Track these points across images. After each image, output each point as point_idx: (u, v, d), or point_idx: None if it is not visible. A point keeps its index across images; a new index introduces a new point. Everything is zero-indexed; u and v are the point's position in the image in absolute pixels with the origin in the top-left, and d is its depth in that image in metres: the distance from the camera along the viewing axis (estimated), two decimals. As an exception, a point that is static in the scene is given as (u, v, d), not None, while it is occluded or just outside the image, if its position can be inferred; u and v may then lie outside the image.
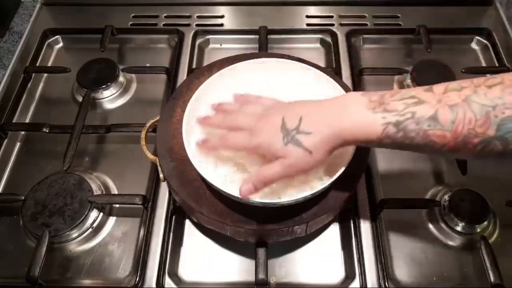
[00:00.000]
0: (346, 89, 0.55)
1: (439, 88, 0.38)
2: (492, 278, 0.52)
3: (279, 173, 0.43)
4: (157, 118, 0.58)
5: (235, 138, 0.46)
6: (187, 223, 0.60)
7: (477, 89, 0.36)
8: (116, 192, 0.63)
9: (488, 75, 0.38)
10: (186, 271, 0.57)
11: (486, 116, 0.35)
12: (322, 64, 0.78)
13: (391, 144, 0.39)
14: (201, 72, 0.61)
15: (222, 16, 0.85)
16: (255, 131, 0.44)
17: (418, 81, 0.71)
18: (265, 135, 0.43)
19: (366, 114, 0.39)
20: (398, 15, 0.85)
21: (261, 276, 0.52)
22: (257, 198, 0.46)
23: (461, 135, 0.36)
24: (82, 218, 0.58)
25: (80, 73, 0.74)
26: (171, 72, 0.75)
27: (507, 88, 0.35)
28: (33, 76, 0.77)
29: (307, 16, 0.85)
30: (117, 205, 0.62)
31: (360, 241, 0.56)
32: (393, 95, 0.39)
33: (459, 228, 0.58)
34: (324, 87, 0.54)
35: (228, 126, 0.48)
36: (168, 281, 0.55)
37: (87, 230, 0.59)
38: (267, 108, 0.47)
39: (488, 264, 0.53)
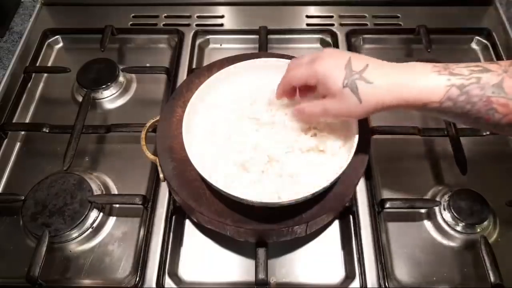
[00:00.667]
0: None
1: (504, 62, 0.39)
2: (492, 278, 0.52)
3: (319, 113, 0.45)
4: (157, 118, 0.58)
5: (294, 71, 0.45)
6: (187, 223, 0.60)
7: None
8: (116, 192, 0.63)
9: None
10: (186, 271, 0.57)
11: None
12: (322, 64, 0.78)
13: (452, 108, 0.39)
14: (201, 72, 0.61)
15: (222, 16, 0.85)
16: (318, 58, 0.43)
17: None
18: (327, 65, 0.42)
19: (431, 76, 0.39)
20: (398, 15, 0.85)
21: (261, 276, 0.52)
22: (257, 198, 0.46)
23: None
24: (82, 218, 0.58)
25: (80, 73, 0.74)
26: (171, 72, 0.75)
27: None
28: (33, 76, 0.77)
29: (307, 16, 0.85)
30: (117, 205, 0.62)
31: (360, 241, 0.56)
32: (457, 64, 0.40)
33: (459, 228, 0.58)
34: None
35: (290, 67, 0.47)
36: (168, 281, 0.55)
37: (87, 230, 0.59)
38: (330, 48, 0.46)
39: (488, 264, 0.53)
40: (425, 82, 0.39)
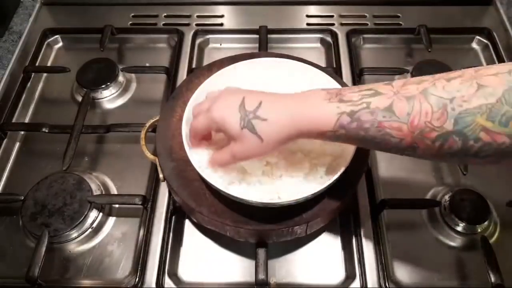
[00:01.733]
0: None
1: (399, 82, 0.37)
2: (492, 278, 0.52)
3: (229, 160, 0.45)
4: (157, 118, 0.58)
5: (195, 121, 0.46)
6: (187, 223, 0.60)
7: (436, 82, 0.35)
8: (115, 192, 0.63)
9: (447, 73, 0.37)
10: (186, 271, 0.57)
11: (443, 109, 0.33)
12: (322, 63, 0.78)
13: (346, 135, 0.38)
14: (201, 72, 0.61)
15: (222, 16, 0.85)
16: (213, 107, 0.43)
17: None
18: (222, 110, 0.43)
19: (322, 104, 0.39)
20: (399, 14, 0.85)
21: (261, 276, 0.52)
22: (257, 198, 0.45)
23: (418, 128, 0.35)
24: (82, 218, 0.57)
25: (79, 73, 0.74)
26: (171, 72, 0.75)
27: (466, 81, 0.34)
28: (32, 76, 0.76)
29: (307, 16, 0.85)
30: (117, 205, 0.62)
31: (361, 241, 0.56)
32: (352, 88, 0.39)
33: (459, 228, 0.57)
34: (324, 87, 0.53)
35: (194, 113, 0.48)
36: (167, 281, 0.55)
37: (87, 230, 0.59)
38: (227, 89, 0.47)
39: (488, 264, 0.53)
40: (316, 112, 0.39)
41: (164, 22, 0.84)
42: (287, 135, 0.41)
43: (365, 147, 0.40)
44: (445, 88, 0.34)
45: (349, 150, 0.48)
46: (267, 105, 0.41)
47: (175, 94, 0.59)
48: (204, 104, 0.47)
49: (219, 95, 0.45)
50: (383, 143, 0.37)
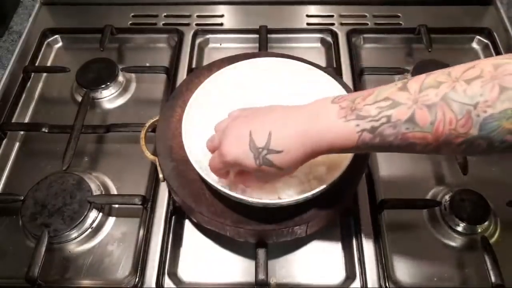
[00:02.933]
0: (346, 88, 0.55)
1: (414, 85, 0.35)
2: (493, 279, 0.52)
3: (259, 184, 0.46)
4: (157, 118, 0.58)
5: (212, 161, 0.46)
6: (187, 223, 0.60)
7: (455, 84, 0.34)
8: (115, 192, 0.63)
9: (465, 64, 0.35)
10: (185, 271, 0.57)
11: (468, 116, 0.33)
12: (322, 63, 0.78)
13: (370, 149, 0.38)
14: (201, 72, 0.61)
15: (222, 16, 0.85)
16: (224, 150, 0.42)
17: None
18: (233, 153, 0.41)
19: (338, 124, 0.37)
20: (399, 14, 0.85)
21: (261, 276, 0.52)
22: (257, 198, 0.45)
23: (443, 136, 0.34)
24: (82, 218, 0.57)
25: (79, 72, 0.74)
26: (171, 71, 0.75)
27: (487, 83, 0.33)
28: (32, 75, 0.76)
29: (308, 16, 0.85)
30: (117, 205, 0.62)
31: (361, 241, 0.56)
32: (364, 98, 0.37)
33: (459, 229, 0.57)
34: (325, 86, 0.53)
35: (209, 150, 0.48)
36: (167, 281, 0.55)
37: (87, 230, 0.58)
38: (232, 118, 0.45)
39: (488, 265, 0.53)
40: (335, 132, 0.37)
41: (164, 22, 0.84)
42: (305, 157, 0.40)
43: (388, 152, 0.39)
44: (466, 93, 0.33)
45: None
46: (277, 135, 0.40)
47: (175, 94, 0.59)
48: (214, 139, 0.46)
49: (225, 130, 0.43)
50: (407, 150, 0.37)
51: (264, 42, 0.77)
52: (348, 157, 0.47)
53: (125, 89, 0.75)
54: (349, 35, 0.80)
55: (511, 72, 0.32)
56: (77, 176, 0.61)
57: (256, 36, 0.79)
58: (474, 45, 0.82)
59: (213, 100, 0.55)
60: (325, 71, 0.55)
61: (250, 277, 0.54)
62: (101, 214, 0.60)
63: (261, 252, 0.53)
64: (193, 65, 0.77)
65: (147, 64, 0.78)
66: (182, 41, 0.80)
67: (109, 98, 0.74)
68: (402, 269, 0.56)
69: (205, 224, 0.54)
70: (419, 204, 0.59)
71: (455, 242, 0.58)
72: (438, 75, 0.35)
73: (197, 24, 0.83)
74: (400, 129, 0.35)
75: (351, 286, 0.54)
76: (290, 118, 0.40)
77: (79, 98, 0.72)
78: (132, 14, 0.85)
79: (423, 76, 0.36)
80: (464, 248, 0.58)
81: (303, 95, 0.47)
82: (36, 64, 0.79)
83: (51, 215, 0.57)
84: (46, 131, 0.67)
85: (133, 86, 0.76)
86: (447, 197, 0.59)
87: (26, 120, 0.72)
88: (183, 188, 0.51)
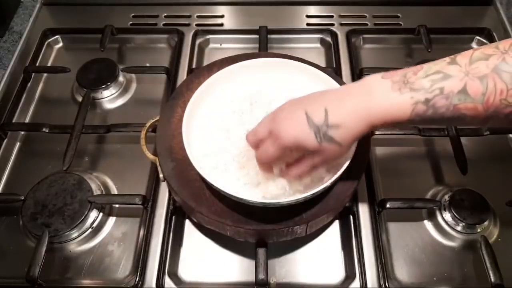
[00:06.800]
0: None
1: (463, 59, 0.37)
2: (492, 278, 0.52)
3: (309, 172, 0.45)
4: (157, 118, 0.58)
5: (263, 153, 0.44)
6: (187, 223, 0.60)
7: (505, 56, 0.35)
8: (116, 192, 0.63)
9: (509, 39, 0.37)
10: (186, 271, 0.57)
11: None
12: (322, 64, 0.78)
13: (422, 121, 0.39)
14: (201, 72, 0.61)
15: (222, 16, 0.85)
16: (279, 132, 0.42)
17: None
18: (292, 133, 0.41)
19: (393, 96, 0.38)
20: (398, 15, 0.85)
21: (261, 276, 0.52)
22: (257, 198, 0.45)
23: (493, 106, 0.35)
24: (82, 218, 0.58)
25: (80, 73, 0.74)
26: (171, 72, 0.75)
27: None
28: (32, 76, 0.77)
29: (307, 16, 0.85)
30: (117, 205, 0.62)
31: (360, 241, 0.56)
32: (415, 73, 0.38)
33: (459, 228, 0.57)
34: (324, 87, 0.53)
35: (252, 144, 0.46)
36: (168, 281, 0.55)
37: (87, 230, 0.59)
38: (279, 109, 0.44)
39: (488, 264, 0.53)
40: (389, 104, 0.38)
41: (164, 22, 0.84)
42: (361, 132, 0.40)
43: (436, 125, 0.40)
44: None
45: (349, 150, 0.48)
46: (334, 111, 0.40)
47: (175, 94, 0.60)
48: (259, 131, 0.45)
49: (274, 117, 0.43)
50: (456, 122, 0.38)
51: (264, 42, 0.77)
52: (348, 157, 0.47)
53: (125, 89, 0.75)
54: (348, 35, 0.80)
55: None
56: (78, 176, 0.61)
57: (256, 36, 0.79)
58: (474, 45, 0.82)
59: (213, 100, 0.55)
60: (324, 72, 0.55)
61: (250, 277, 0.55)
62: (101, 214, 0.60)
63: (261, 252, 0.54)
64: (193, 66, 0.77)
65: (148, 65, 0.78)
66: (182, 42, 0.80)
67: (110, 98, 0.74)
68: (402, 269, 0.56)
69: (205, 224, 0.54)
70: (418, 203, 0.60)
71: (455, 241, 0.58)
72: (485, 49, 0.37)
73: (197, 25, 0.83)
74: (452, 100, 0.36)
75: (351, 285, 0.54)
76: (343, 95, 0.41)
77: (80, 98, 0.72)
78: (133, 14, 0.85)
79: (469, 51, 0.37)
80: (464, 248, 0.58)
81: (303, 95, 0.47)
82: (37, 64, 0.79)
83: (52, 215, 0.57)
84: (47, 131, 0.67)
85: (133, 86, 0.76)
86: (446, 197, 0.59)
87: (27, 120, 0.73)
88: (183, 188, 0.51)
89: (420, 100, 0.37)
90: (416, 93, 0.37)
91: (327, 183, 0.46)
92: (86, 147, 0.68)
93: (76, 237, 0.58)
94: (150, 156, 0.56)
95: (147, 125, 0.58)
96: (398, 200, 0.59)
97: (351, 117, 0.40)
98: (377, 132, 0.64)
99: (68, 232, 0.57)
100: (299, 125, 0.41)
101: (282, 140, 0.42)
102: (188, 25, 0.83)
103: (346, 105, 0.40)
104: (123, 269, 0.57)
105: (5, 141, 0.68)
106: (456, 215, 0.57)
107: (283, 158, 0.45)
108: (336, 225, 0.60)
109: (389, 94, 0.38)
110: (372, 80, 0.40)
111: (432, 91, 0.37)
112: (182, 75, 0.74)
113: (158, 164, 0.55)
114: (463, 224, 0.57)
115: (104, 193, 0.62)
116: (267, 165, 0.46)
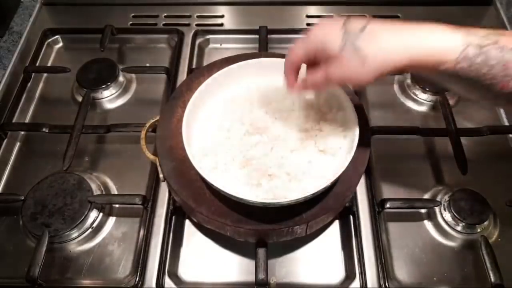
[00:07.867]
0: (345, 88, 0.55)
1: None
2: (492, 278, 0.52)
3: (322, 82, 0.41)
4: (157, 118, 0.58)
5: (291, 50, 0.43)
6: (187, 223, 0.60)
7: None
8: (116, 192, 0.63)
9: None
10: (186, 271, 0.57)
11: None
12: (322, 64, 0.78)
13: (466, 70, 0.36)
14: (201, 72, 0.61)
15: (222, 16, 0.85)
16: (313, 29, 0.40)
17: (419, 81, 0.71)
18: (322, 31, 0.39)
19: (444, 32, 0.36)
20: (398, 15, 0.85)
21: (261, 276, 0.52)
22: (257, 198, 0.45)
23: None
24: (82, 218, 0.58)
25: (80, 73, 0.74)
26: (171, 72, 0.75)
27: None
28: (32, 76, 0.77)
29: (307, 16, 0.85)
30: (117, 205, 0.62)
31: (360, 241, 0.56)
32: (470, 27, 0.37)
33: (459, 228, 0.58)
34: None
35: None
36: (168, 281, 0.55)
37: (87, 230, 0.59)
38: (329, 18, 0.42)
39: (488, 264, 0.53)
40: (438, 40, 0.36)
41: (164, 22, 0.84)
42: (394, 63, 0.37)
43: (471, 90, 0.37)
44: None
45: (349, 150, 0.48)
46: (373, 27, 0.37)
47: (175, 94, 0.60)
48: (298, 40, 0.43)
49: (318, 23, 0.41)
50: (499, 85, 0.36)
51: (264, 42, 0.77)
52: (348, 156, 0.47)
53: (125, 89, 0.75)
54: (349, 35, 0.80)
55: None
56: (78, 176, 0.61)
57: (256, 36, 0.79)
58: (474, 45, 0.82)
59: (213, 100, 0.55)
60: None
61: (250, 277, 0.55)
62: (101, 214, 0.60)
63: (261, 252, 0.54)
64: (193, 66, 0.77)
65: (148, 65, 0.78)
66: (182, 42, 0.80)
67: (110, 98, 0.74)
68: (402, 269, 0.56)
69: (205, 224, 0.54)
70: (418, 204, 0.60)
71: (455, 241, 0.58)
72: None
73: (197, 25, 0.83)
74: (506, 54, 0.35)
75: (351, 285, 0.54)
76: (389, 23, 0.38)
77: (80, 98, 0.72)
78: (133, 14, 0.85)
79: None
80: (464, 248, 0.58)
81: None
82: (37, 64, 0.79)
83: (52, 215, 0.57)
84: (47, 131, 0.67)
85: (133, 86, 0.76)
86: (446, 197, 0.59)
87: (27, 120, 0.73)
88: (183, 188, 0.51)
89: (473, 42, 0.35)
90: (470, 36, 0.36)
91: (327, 183, 0.46)
92: (86, 147, 0.68)
93: (76, 237, 0.58)
94: (150, 156, 0.56)
95: (147, 125, 0.58)
96: (398, 200, 0.59)
97: (388, 36, 0.37)
98: (377, 133, 0.64)
99: (68, 232, 0.57)
100: (332, 26, 0.39)
101: (311, 36, 0.40)
102: (188, 25, 0.83)
103: (387, 28, 0.37)
104: (123, 269, 0.57)
105: (5, 141, 0.68)
106: (456, 215, 0.57)
107: (307, 61, 0.43)
108: (336, 225, 0.60)
109: (441, 31, 0.36)
110: (425, 23, 0.38)
111: (488, 39, 0.35)
112: (182, 75, 0.74)
113: (158, 164, 0.55)
114: (463, 224, 0.57)
115: (104, 193, 0.62)
116: (291, 69, 0.44)
